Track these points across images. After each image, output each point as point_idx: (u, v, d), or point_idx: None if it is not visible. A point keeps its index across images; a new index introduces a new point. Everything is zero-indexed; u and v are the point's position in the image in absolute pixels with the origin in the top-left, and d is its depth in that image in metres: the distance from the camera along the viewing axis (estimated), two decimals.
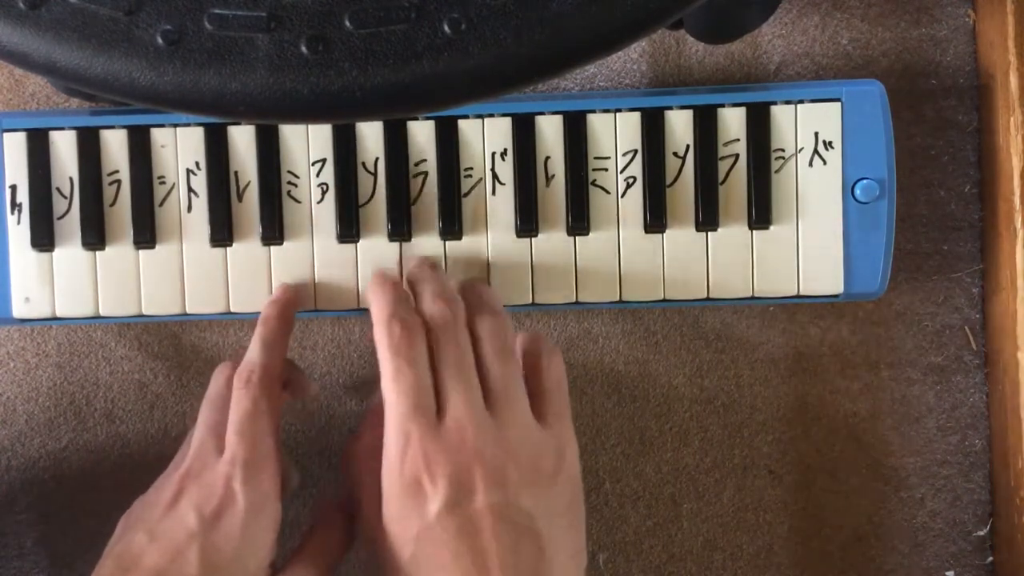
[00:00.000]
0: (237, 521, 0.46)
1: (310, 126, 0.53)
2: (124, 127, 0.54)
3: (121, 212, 0.54)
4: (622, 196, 0.54)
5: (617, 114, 0.53)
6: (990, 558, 0.58)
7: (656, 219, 0.53)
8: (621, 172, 0.53)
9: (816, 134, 0.53)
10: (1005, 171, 0.54)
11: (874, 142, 0.53)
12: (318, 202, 0.54)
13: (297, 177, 0.54)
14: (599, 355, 0.58)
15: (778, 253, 0.53)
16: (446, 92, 0.32)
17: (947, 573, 0.58)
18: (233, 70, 0.31)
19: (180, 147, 0.54)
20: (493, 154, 0.54)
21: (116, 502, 0.58)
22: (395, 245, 0.54)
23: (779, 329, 0.57)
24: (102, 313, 0.54)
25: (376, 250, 0.54)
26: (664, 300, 0.54)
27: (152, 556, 0.45)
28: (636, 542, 0.58)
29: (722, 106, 0.53)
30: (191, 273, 0.54)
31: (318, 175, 0.54)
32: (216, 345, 0.58)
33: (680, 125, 0.53)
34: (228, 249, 0.54)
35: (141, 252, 0.54)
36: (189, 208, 0.54)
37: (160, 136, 0.54)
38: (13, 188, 0.54)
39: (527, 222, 0.53)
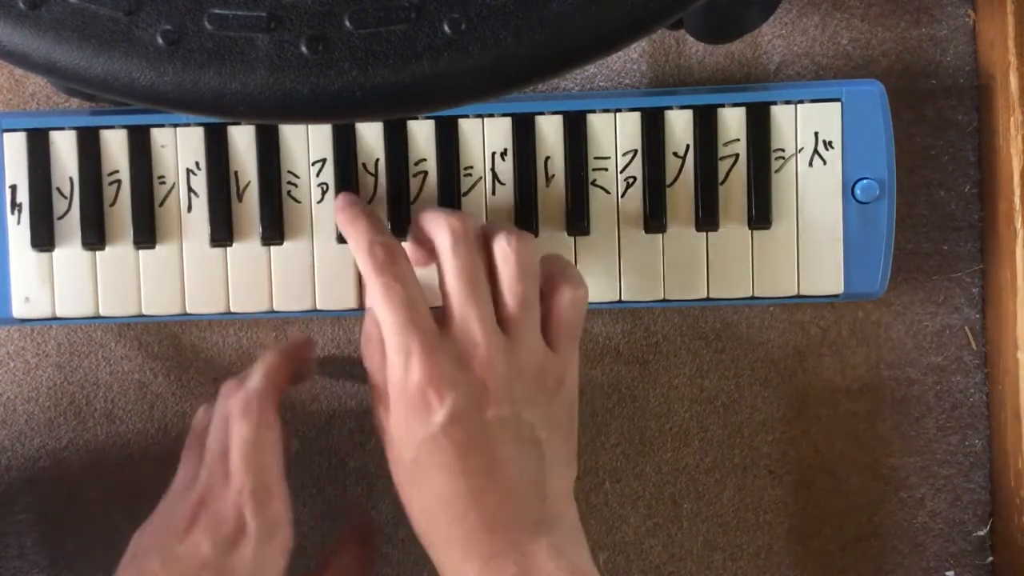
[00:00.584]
0: (250, 548, 0.46)
1: (310, 126, 0.53)
2: (124, 127, 0.54)
3: (121, 212, 0.54)
4: (622, 196, 0.54)
5: (617, 114, 0.53)
6: (990, 558, 0.58)
7: (656, 219, 0.53)
8: (621, 172, 0.53)
9: (816, 134, 0.53)
10: (1005, 171, 0.54)
11: (874, 142, 0.53)
12: (318, 202, 0.54)
13: (297, 177, 0.54)
14: (599, 355, 0.58)
15: (778, 253, 0.53)
16: (446, 92, 0.32)
17: (947, 573, 0.58)
18: (233, 70, 0.31)
19: (180, 147, 0.54)
20: (493, 154, 0.54)
21: (116, 502, 0.58)
22: None
23: (779, 329, 0.57)
24: (102, 313, 0.54)
25: None
26: (664, 300, 0.54)
27: None
28: (636, 542, 0.58)
29: (722, 106, 0.53)
30: (191, 273, 0.54)
31: (318, 175, 0.54)
32: (216, 345, 0.58)
33: (680, 125, 0.53)
34: (228, 249, 0.54)
35: (141, 252, 0.54)
36: (189, 208, 0.54)
37: (160, 136, 0.54)
38: (13, 188, 0.54)
39: (527, 222, 0.53)
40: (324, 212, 0.54)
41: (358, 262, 0.48)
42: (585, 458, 0.58)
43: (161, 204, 0.54)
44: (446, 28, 0.31)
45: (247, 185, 0.54)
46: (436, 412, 0.45)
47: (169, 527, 0.48)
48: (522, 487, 0.45)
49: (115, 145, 0.54)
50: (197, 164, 0.54)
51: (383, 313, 0.46)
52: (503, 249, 0.47)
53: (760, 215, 0.53)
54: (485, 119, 0.53)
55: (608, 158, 0.53)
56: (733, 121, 0.53)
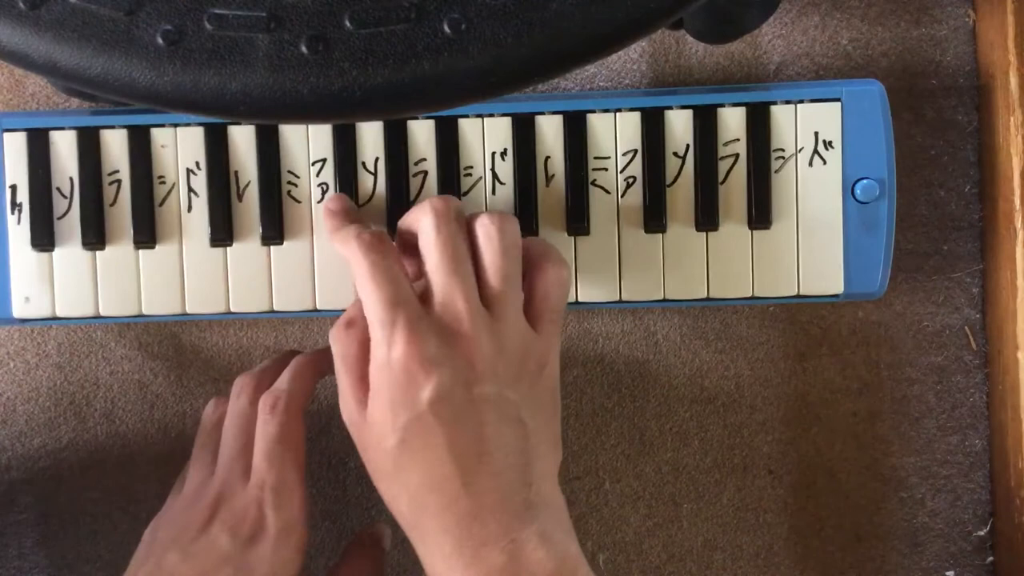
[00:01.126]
0: (269, 544, 0.47)
1: (310, 126, 0.53)
2: (124, 127, 0.54)
3: (121, 212, 0.54)
4: (622, 196, 0.54)
5: (617, 114, 0.53)
6: (990, 558, 0.58)
7: (656, 219, 0.53)
8: (621, 172, 0.53)
9: (816, 134, 0.53)
10: (1005, 171, 0.54)
11: (874, 142, 0.53)
12: (318, 202, 0.54)
13: (297, 177, 0.54)
14: (599, 355, 0.58)
15: (778, 253, 0.53)
16: (446, 92, 0.32)
17: (947, 573, 0.58)
18: (233, 70, 0.31)
19: (180, 147, 0.54)
20: (493, 154, 0.54)
21: (116, 502, 0.58)
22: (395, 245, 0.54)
23: (779, 329, 0.57)
24: (102, 313, 0.54)
25: None
26: (664, 300, 0.54)
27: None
28: (636, 542, 0.58)
29: (722, 106, 0.53)
30: (191, 273, 0.54)
31: (318, 175, 0.54)
32: (216, 345, 0.58)
33: (680, 125, 0.53)
34: (228, 249, 0.54)
35: (141, 252, 0.54)
36: (189, 208, 0.54)
37: (160, 136, 0.54)
38: (13, 188, 0.54)
39: (527, 222, 0.53)
40: None
41: (345, 250, 0.47)
42: (585, 458, 0.58)
43: (161, 204, 0.54)
44: (446, 28, 0.31)
45: (247, 185, 0.54)
46: (423, 389, 0.44)
47: (187, 522, 0.48)
48: (510, 469, 0.44)
49: (115, 145, 0.54)
50: (197, 164, 0.54)
51: (368, 290, 0.45)
52: (486, 227, 0.47)
53: (760, 215, 0.53)
54: (485, 119, 0.53)
55: (608, 158, 0.53)
56: (733, 121, 0.53)
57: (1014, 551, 0.55)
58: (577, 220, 0.53)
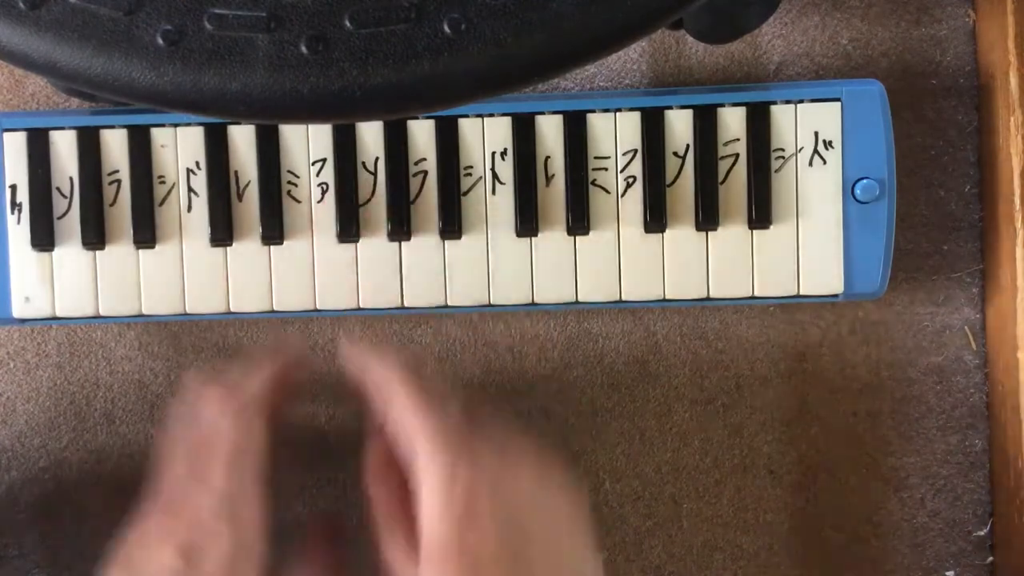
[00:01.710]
0: (223, 560, 0.43)
1: (310, 126, 0.53)
2: (124, 127, 0.54)
3: (121, 212, 0.54)
4: (622, 196, 0.54)
5: (617, 114, 0.53)
6: (990, 558, 0.58)
7: (656, 219, 0.53)
8: (621, 172, 0.53)
9: (816, 134, 0.53)
10: (1005, 171, 0.54)
11: (874, 142, 0.53)
12: (318, 202, 0.54)
13: (297, 177, 0.54)
14: (599, 355, 0.58)
15: (778, 253, 0.53)
16: (446, 92, 0.32)
17: (947, 573, 0.58)
18: (233, 70, 0.31)
19: (180, 147, 0.54)
20: (493, 153, 0.54)
21: (116, 502, 0.58)
22: (395, 245, 0.54)
23: (779, 329, 0.57)
24: (102, 313, 0.54)
25: (376, 250, 0.54)
26: (664, 300, 0.54)
27: None
28: (636, 542, 0.58)
29: (722, 106, 0.53)
30: (191, 273, 0.54)
31: (318, 175, 0.54)
32: (216, 345, 0.58)
33: (680, 125, 0.53)
34: (228, 249, 0.54)
35: (141, 252, 0.54)
36: (189, 208, 0.54)
37: (160, 136, 0.54)
38: (13, 188, 0.54)
39: (527, 222, 0.53)
40: (324, 212, 0.54)
41: (385, 391, 0.46)
42: (585, 458, 0.58)
43: (161, 204, 0.54)
44: (446, 28, 0.31)
45: (247, 185, 0.54)
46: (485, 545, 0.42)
47: (135, 539, 0.45)
48: None
49: (115, 145, 0.54)
50: (197, 164, 0.54)
51: (421, 423, 0.44)
52: None
53: (760, 215, 0.53)
54: (485, 119, 0.53)
55: (608, 158, 0.53)
56: (733, 121, 0.53)
57: (1014, 551, 0.55)
58: (577, 220, 0.53)
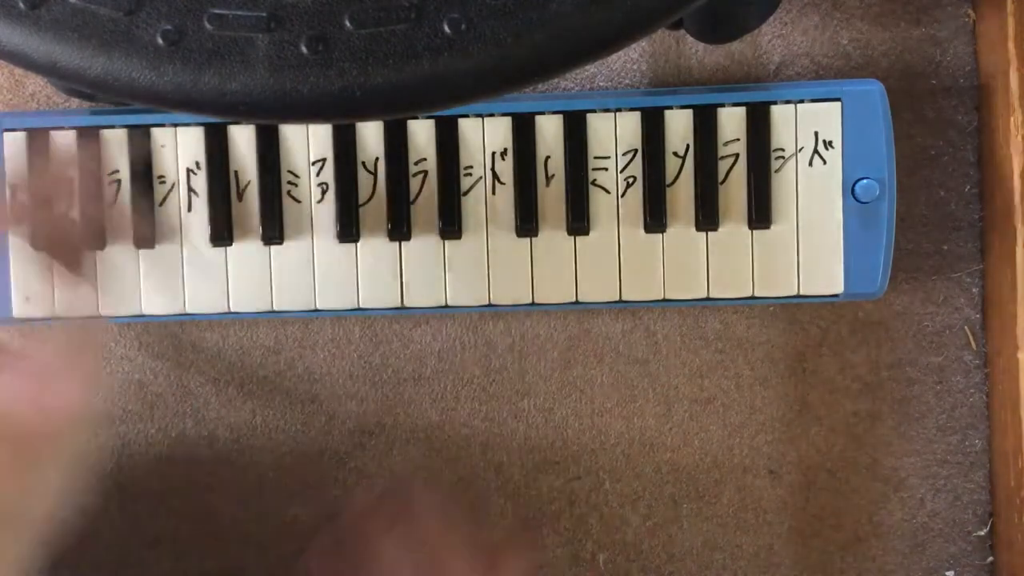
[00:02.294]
0: None
1: (310, 126, 0.53)
2: (124, 127, 0.54)
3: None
4: (622, 196, 0.54)
5: (617, 114, 0.53)
6: (990, 558, 0.58)
7: (656, 219, 0.53)
8: (621, 172, 0.53)
9: (816, 134, 0.53)
10: (1005, 171, 0.54)
11: (874, 142, 0.53)
12: (318, 202, 0.54)
13: (297, 177, 0.54)
14: (599, 355, 0.58)
15: (778, 253, 0.53)
16: (446, 92, 0.32)
17: (947, 573, 0.58)
18: (233, 70, 0.31)
19: (180, 147, 0.54)
20: (493, 153, 0.54)
21: (116, 502, 0.58)
22: (395, 244, 0.54)
23: (779, 329, 0.57)
24: (102, 313, 0.54)
25: (376, 250, 0.54)
26: (664, 300, 0.54)
27: None
28: (636, 542, 0.58)
29: (722, 106, 0.53)
30: (191, 273, 0.54)
31: (318, 175, 0.54)
32: (216, 345, 0.58)
33: (680, 125, 0.53)
34: (228, 249, 0.54)
35: (141, 252, 0.54)
36: (189, 208, 0.54)
37: (160, 136, 0.54)
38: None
39: (527, 221, 0.53)
40: (324, 212, 0.54)
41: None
42: (585, 458, 0.58)
43: (161, 204, 0.54)
44: (446, 28, 0.31)
45: (247, 185, 0.54)
46: None
47: None
48: None
49: (115, 145, 0.54)
50: (197, 164, 0.54)
51: None
52: None
53: (760, 215, 0.53)
54: (485, 119, 0.53)
55: (608, 158, 0.53)
56: (733, 121, 0.53)
57: (1014, 551, 0.55)
58: (577, 220, 0.53)
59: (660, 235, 0.54)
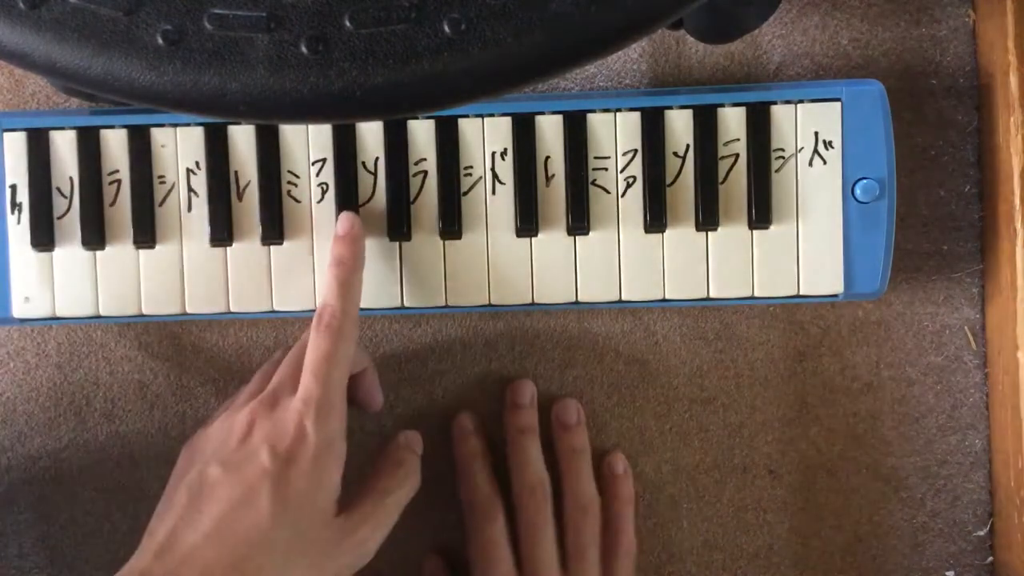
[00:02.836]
0: (308, 458, 0.47)
1: (310, 126, 0.53)
2: (124, 127, 0.54)
3: (121, 212, 0.54)
4: (622, 196, 0.54)
5: (617, 114, 0.53)
6: (990, 558, 0.58)
7: (656, 219, 0.53)
8: (621, 172, 0.53)
9: (816, 134, 0.53)
10: (1005, 171, 0.54)
11: (874, 142, 0.53)
12: (318, 202, 0.54)
13: (297, 177, 0.54)
14: (599, 355, 0.58)
15: (778, 253, 0.53)
16: (446, 92, 0.32)
17: (947, 573, 0.58)
18: (233, 70, 0.31)
19: (180, 147, 0.54)
20: (493, 153, 0.54)
21: (116, 502, 0.58)
22: (395, 245, 0.54)
23: (779, 329, 0.57)
24: (102, 313, 0.54)
25: (377, 249, 0.54)
26: (664, 300, 0.54)
27: (226, 488, 0.46)
28: (636, 542, 0.58)
29: (722, 106, 0.53)
30: (191, 273, 0.54)
31: (318, 175, 0.54)
32: (216, 345, 0.58)
33: (680, 125, 0.53)
34: (228, 249, 0.54)
35: (141, 252, 0.54)
36: (189, 208, 0.54)
37: (160, 136, 0.54)
38: (13, 188, 0.54)
39: (527, 222, 0.53)
40: (324, 212, 0.54)
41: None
42: None
43: (161, 204, 0.54)
44: (446, 28, 0.31)
45: (247, 185, 0.54)
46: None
47: (228, 434, 0.49)
48: None
49: (115, 145, 0.54)
50: (197, 164, 0.54)
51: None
52: (577, 501, 0.56)
53: (760, 215, 0.53)
54: (485, 119, 0.53)
55: (608, 158, 0.53)
56: (733, 121, 0.53)
57: (1014, 551, 0.55)
58: (577, 220, 0.53)
59: (660, 235, 0.54)
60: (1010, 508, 0.55)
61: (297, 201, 0.54)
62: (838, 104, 0.53)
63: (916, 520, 0.58)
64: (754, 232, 0.53)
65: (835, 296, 0.54)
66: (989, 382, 0.57)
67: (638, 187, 0.53)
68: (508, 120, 0.53)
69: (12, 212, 0.54)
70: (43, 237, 0.54)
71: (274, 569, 0.45)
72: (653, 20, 0.32)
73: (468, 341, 0.58)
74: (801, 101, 0.53)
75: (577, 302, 0.54)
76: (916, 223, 0.57)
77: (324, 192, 0.54)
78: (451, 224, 0.53)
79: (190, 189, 0.54)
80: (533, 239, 0.54)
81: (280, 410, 0.48)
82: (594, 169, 0.53)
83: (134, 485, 0.58)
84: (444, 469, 0.58)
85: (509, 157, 0.54)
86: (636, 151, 0.53)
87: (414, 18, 0.31)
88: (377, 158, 0.54)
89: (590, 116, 0.53)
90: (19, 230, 0.54)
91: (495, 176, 0.54)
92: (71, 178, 0.54)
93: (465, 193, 0.54)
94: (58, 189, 0.54)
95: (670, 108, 0.53)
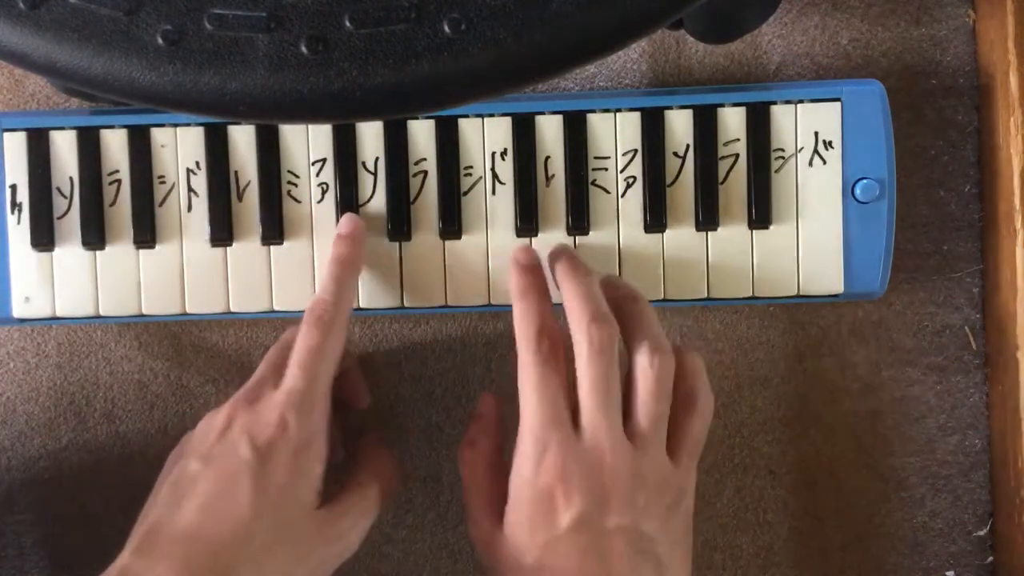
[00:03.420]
0: (289, 450, 0.46)
1: (310, 126, 0.53)
2: (124, 127, 0.54)
3: (121, 212, 0.54)
4: (622, 196, 0.54)
5: (617, 114, 0.53)
6: (990, 558, 0.58)
7: (656, 219, 0.53)
8: (621, 172, 0.53)
9: (816, 134, 0.53)
10: (1005, 171, 0.54)
11: (874, 142, 0.53)
12: (318, 202, 0.54)
13: (297, 177, 0.54)
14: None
15: (778, 253, 0.53)
16: (446, 92, 0.32)
17: (947, 573, 0.58)
18: (233, 70, 0.31)
19: (180, 147, 0.54)
20: (493, 154, 0.54)
21: (116, 502, 0.58)
22: (395, 245, 0.54)
23: (779, 329, 0.57)
24: (102, 313, 0.54)
25: (377, 249, 0.54)
26: (664, 300, 0.54)
27: (206, 481, 0.46)
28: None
29: (722, 106, 0.53)
30: (191, 273, 0.54)
31: (318, 175, 0.54)
32: (216, 345, 0.58)
33: (680, 125, 0.53)
34: (228, 249, 0.54)
35: (141, 252, 0.54)
36: (189, 208, 0.54)
37: (160, 136, 0.54)
38: (13, 188, 0.54)
39: (527, 222, 0.53)
40: (324, 212, 0.54)
41: (519, 341, 0.49)
42: None
43: (161, 204, 0.54)
44: (446, 28, 0.31)
45: (247, 185, 0.54)
46: (562, 514, 0.45)
47: (209, 428, 0.48)
48: None
49: (115, 145, 0.54)
50: (197, 164, 0.54)
51: (532, 402, 0.47)
52: (644, 367, 0.48)
53: (760, 215, 0.53)
54: (485, 119, 0.53)
55: (608, 158, 0.53)
56: (733, 121, 0.53)
57: (1014, 551, 0.55)
58: (577, 220, 0.53)
59: (660, 235, 0.54)
60: (1010, 508, 0.55)
61: (297, 201, 0.54)
62: (838, 104, 0.53)
63: (916, 520, 0.58)
64: (754, 232, 0.53)
65: (835, 296, 0.54)
66: (989, 382, 0.57)
67: (638, 187, 0.53)
68: (508, 120, 0.53)
69: (12, 212, 0.54)
70: (43, 237, 0.54)
71: (254, 561, 0.45)
72: (653, 20, 0.32)
73: (468, 341, 0.58)
74: (801, 101, 0.53)
75: None
76: (916, 223, 0.57)
77: (324, 192, 0.54)
78: (451, 224, 0.53)
79: (190, 189, 0.54)
80: (533, 239, 0.54)
81: (262, 402, 0.48)
82: (594, 169, 0.53)
83: (134, 485, 0.58)
84: (444, 469, 0.58)
85: (509, 157, 0.54)
86: (636, 151, 0.53)
87: (414, 18, 0.31)
88: (377, 158, 0.54)
89: (590, 116, 0.53)
90: (19, 230, 0.54)
91: (495, 176, 0.54)
92: (71, 178, 0.54)
93: (465, 193, 0.54)
94: (58, 189, 0.54)
95: (670, 108, 0.53)
